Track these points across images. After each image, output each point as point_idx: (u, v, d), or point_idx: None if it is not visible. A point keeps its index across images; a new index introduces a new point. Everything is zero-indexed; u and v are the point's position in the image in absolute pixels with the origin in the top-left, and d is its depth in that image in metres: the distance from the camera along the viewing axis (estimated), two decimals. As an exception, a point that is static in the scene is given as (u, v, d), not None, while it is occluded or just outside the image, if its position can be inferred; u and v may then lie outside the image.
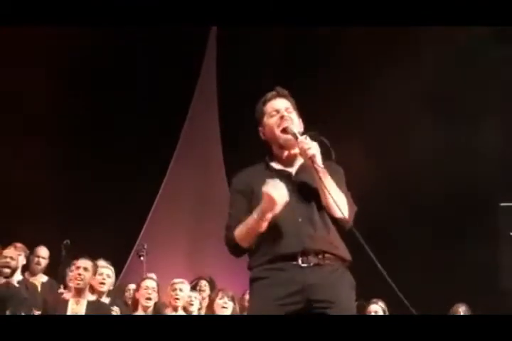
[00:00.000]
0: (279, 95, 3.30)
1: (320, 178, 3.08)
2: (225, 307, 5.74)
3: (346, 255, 3.18)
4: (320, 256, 3.08)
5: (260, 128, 3.31)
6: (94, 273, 5.58)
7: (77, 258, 5.71)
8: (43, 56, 8.50)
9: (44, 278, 6.58)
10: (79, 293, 5.43)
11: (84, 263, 5.51)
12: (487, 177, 7.81)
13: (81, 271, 5.44)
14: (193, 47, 10.24)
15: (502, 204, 3.82)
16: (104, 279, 5.82)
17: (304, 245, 3.08)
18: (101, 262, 6.42)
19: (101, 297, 5.81)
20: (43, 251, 6.62)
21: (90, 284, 5.64)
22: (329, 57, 8.85)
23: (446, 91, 8.36)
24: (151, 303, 5.62)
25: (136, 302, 5.67)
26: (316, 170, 3.08)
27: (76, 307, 5.36)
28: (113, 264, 6.27)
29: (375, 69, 8.40)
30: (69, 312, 5.30)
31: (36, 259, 6.56)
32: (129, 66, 9.36)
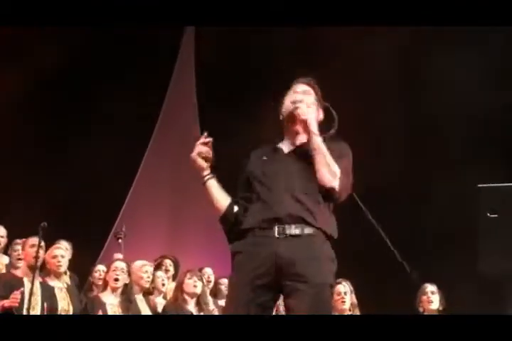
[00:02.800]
0: (307, 83, 3.41)
1: (312, 141, 3.17)
2: (196, 285, 5.86)
3: (332, 231, 3.16)
4: (299, 226, 3.06)
5: (280, 108, 3.40)
6: (46, 249, 5.61)
7: (27, 237, 5.72)
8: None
9: (6, 259, 6.43)
10: (32, 271, 5.37)
11: (35, 241, 5.47)
12: (465, 157, 7.90)
13: (35, 248, 5.42)
14: (169, 46, 10.22)
15: (480, 185, 3.85)
16: (59, 261, 5.74)
17: (282, 212, 3.08)
18: (61, 242, 6.27)
19: (59, 279, 5.73)
20: (1, 230, 6.46)
21: (46, 266, 5.64)
22: (310, 57, 8.84)
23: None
24: (119, 284, 5.62)
25: (105, 283, 5.71)
26: (309, 133, 3.20)
27: (31, 286, 5.29)
28: (91, 247, 6.20)
29: (355, 65, 8.44)
30: (27, 291, 5.25)
31: None
32: (105, 64, 9.32)
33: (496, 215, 3.94)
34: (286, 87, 3.44)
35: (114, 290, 5.62)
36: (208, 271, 7.03)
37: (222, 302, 6.48)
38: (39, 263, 5.44)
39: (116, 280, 5.60)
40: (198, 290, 5.87)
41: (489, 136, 8.05)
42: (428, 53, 8.43)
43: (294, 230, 3.06)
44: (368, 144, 8.52)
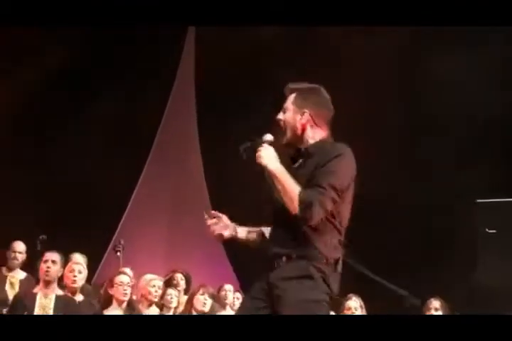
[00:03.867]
0: (290, 90, 3.38)
1: (272, 180, 3.18)
2: (205, 303, 5.90)
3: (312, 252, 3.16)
4: (285, 259, 3.17)
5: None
6: (63, 265, 5.58)
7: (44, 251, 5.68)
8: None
9: (22, 275, 6.49)
10: (47, 286, 5.42)
11: (51, 255, 5.49)
12: (462, 173, 7.87)
13: (49, 263, 5.43)
14: (170, 47, 10.18)
15: (479, 200, 3.85)
16: (75, 276, 5.74)
17: (273, 250, 3.23)
18: (75, 256, 6.30)
19: (74, 294, 5.73)
20: (20, 246, 6.51)
21: (63, 281, 5.64)
22: (311, 57, 8.84)
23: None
24: (126, 298, 5.58)
25: (110, 298, 5.59)
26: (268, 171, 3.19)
27: (44, 300, 5.35)
28: (89, 260, 6.20)
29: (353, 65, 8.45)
30: (37, 306, 5.29)
31: (13, 255, 6.47)
32: (106, 64, 9.29)
33: (494, 231, 3.96)
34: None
35: (120, 304, 5.55)
36: (227, 288, 6.91)
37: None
38: (42, 278, 5.43)
39: (125, 294, 5.55)
40: (207, 309, 5.92)
41: (489, 136, 8.06)
42: (428, 53, 8.43)
43: (284, 261, 3.21)
44: (368, 144, 8.52)
